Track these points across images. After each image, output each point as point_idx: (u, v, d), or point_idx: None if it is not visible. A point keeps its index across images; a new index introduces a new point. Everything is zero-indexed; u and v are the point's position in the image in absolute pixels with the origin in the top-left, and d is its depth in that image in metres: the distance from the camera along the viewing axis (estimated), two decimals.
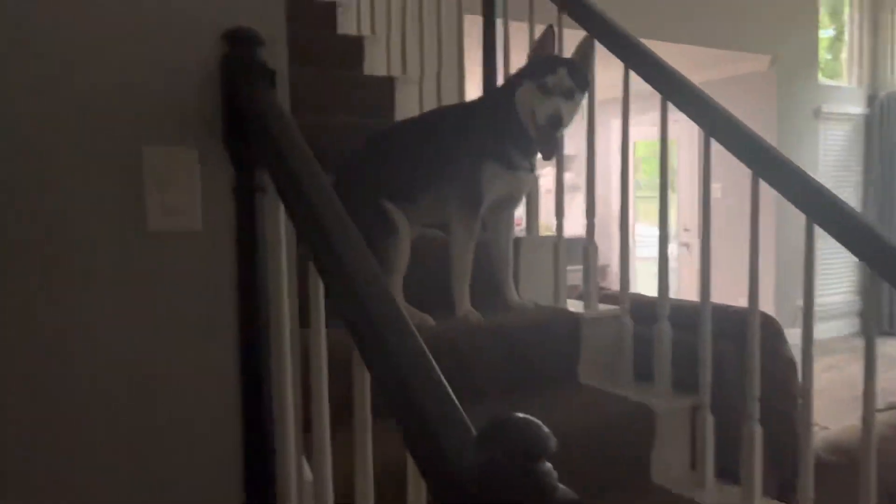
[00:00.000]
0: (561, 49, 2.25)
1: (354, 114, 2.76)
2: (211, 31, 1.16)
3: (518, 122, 1.96)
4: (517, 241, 2.31)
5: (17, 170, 1.05)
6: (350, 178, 2.11)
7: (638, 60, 2.01)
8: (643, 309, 2.15)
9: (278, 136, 1.09)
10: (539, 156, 2.01)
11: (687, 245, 7.51)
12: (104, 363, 1.11)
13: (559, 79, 1.90)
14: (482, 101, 2.11)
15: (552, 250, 2.29)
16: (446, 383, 0.70)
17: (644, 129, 7.91)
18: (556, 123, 1.89)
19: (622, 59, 2.05)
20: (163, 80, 1.14)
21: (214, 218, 1.18)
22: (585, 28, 2.13)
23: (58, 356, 1.09)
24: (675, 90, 1.93)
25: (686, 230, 7.47)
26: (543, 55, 1.97)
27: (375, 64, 3.08)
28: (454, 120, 2.06)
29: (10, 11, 1.04)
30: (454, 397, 0.67)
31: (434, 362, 0.73)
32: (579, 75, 1.94)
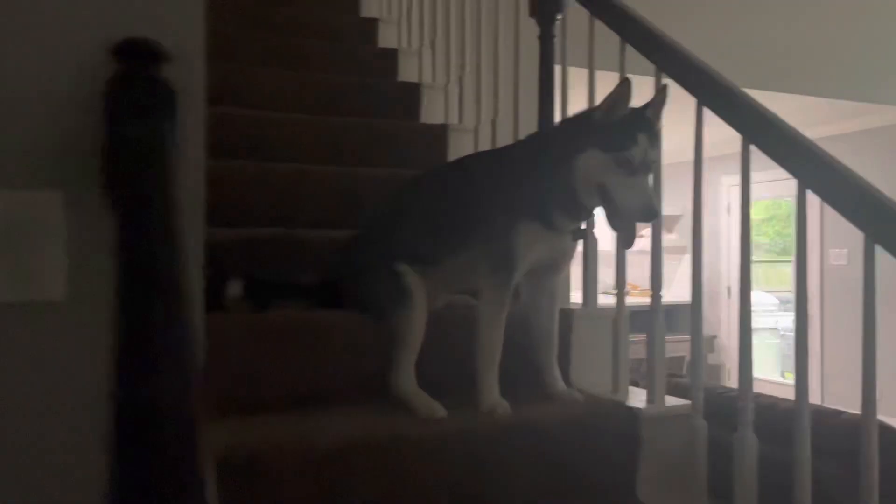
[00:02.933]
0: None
1: (406, 164, 2.49)
2: (91, 42, 0.89)
3: (570, 185, 1.59)
4: (568, 313, 1.92)
5: None
6: (367, 237, 1.81)
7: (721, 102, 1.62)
8: (723, 404, 1.69)
9: (142, 182, 0.79)
10: (584, 223, 1.65)
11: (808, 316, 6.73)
12: None
13: (643, 151, 1.52)
14: (525, 147, 1.76)
15: (611, 326, 1.88)
16: None
17: (760, 188, 7.31)
18: (653, 215, 1.51)
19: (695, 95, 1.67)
20: (15, 106, 0.87)
21: (84, 283, 0.89)
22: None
23: None
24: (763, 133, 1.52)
25: None
26: (616, 114, 1.53)
27: (432, 112, 2.81)
28: (489, 168, 1.73)
29: None
30: None
31: None
32: (656, 140, 1.56)
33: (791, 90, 4.92)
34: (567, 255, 1.73)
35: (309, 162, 2.31)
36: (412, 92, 2.84)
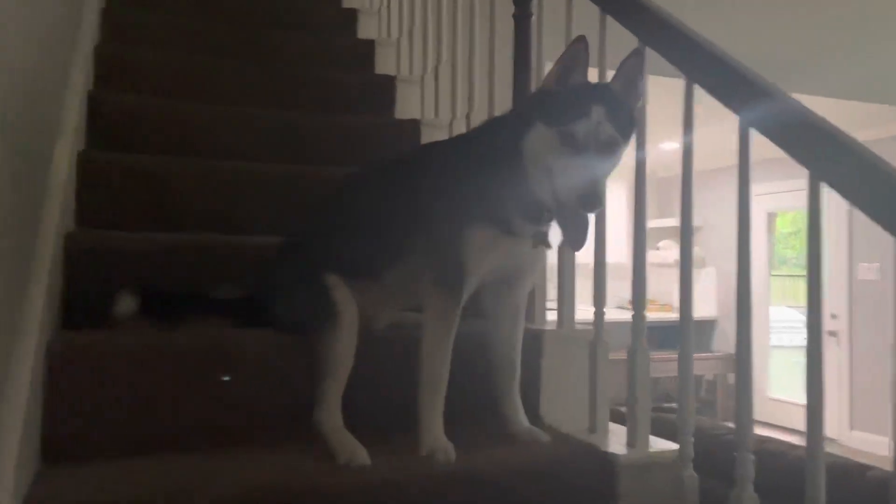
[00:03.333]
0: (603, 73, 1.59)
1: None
2: None
3: (522, 176, 1.30)
4: (538, 335, 1.62)
5: None
6: (294, 243, 1.53)
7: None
8: (723, 449, 1.38)
9: None
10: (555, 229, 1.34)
11: (835, 334, 6.32)
12: None
13: (594, 125, 1.22)
14: (477, 135, 1.46)
15: (588, 350, 1.58)
16: None
17: (785, 199, 6.90)
18: (593, 203, 1.20)
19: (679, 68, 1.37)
20: None
21: None
22: (637, 34, 1.47)
23: None
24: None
25: (833, 317, 6.29)
26: (567, 83, 1.26)
27: (408, 106, 2.53)
28: (435, 162, 1.44)
29: None
30: None
31: None
32: (622, 114, 1.25)
33: (829, 94, 4.58)
34: (530, 266, 1.44)
35: (264, 161, 2.04)
36: (386, 85, 2.56)
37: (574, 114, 1.20)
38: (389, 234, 1.42)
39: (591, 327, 1.60)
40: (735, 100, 1.26)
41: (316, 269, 1.42)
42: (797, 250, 7.79)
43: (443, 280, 1.36)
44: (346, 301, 1.39)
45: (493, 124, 1.45)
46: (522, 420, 1.46)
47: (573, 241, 1.25)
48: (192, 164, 1.92)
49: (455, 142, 1.53)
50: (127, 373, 1.32)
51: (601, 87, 1.30)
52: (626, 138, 1.26)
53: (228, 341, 1.42)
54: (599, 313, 1.56)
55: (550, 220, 1.34)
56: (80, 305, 1.47)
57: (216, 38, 2.57)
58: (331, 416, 1.34)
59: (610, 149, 1.23)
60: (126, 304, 1.41)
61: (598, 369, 1.56)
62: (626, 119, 1.25)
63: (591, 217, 1.26)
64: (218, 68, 2.40)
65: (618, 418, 1.59)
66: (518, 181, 1.30)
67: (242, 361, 1.39)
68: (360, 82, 2.56)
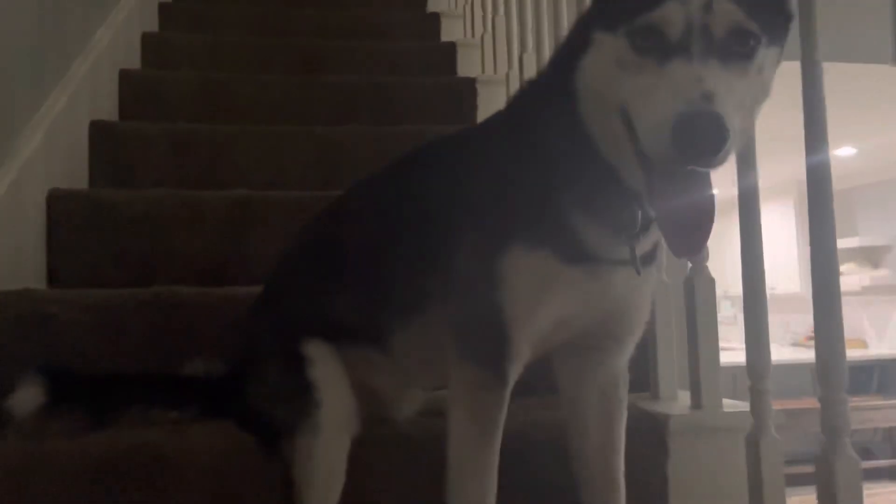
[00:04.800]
0: None
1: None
2: None
3: (588, 144, 0.74)
4: (657, 421, 1.02)
5: None
6: (269, 295, 1.04)
7: None
8: None
9: None
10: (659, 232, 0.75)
11: None
12: None
13: (689, 11, 0.64)
14: (506, 119, 0.88)
15: (746, 447, 0.95)
16: None
17: None
18: (702, 143, 0.61)
19: None
20: None
21: None
22: None
23: None
24: None
25: None
26: None
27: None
28: (451, 163, 0.89)
29: None
30: None
31: None
32: None
33: None
34: (629, 310, 0.85)
35: (291, 188, 1.60)
36: (466, 87, 2.06)
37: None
38: (395, 276, 0.90)
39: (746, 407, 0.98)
40: None
41: (290, 333, 0.92)
42: None
43: (472, 347, 0.81)
44: (332, 383, 0.88)
45: (527, 89, 0.89)
46: None
47: (675, 230, 0.67)
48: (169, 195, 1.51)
49: (481, 128, 0.97)
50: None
51: None
52: (773, 30, 0.68)
53: (177, 450, 0.94)
54: (761, 388, 0.93)
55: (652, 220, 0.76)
56: None
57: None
58: None
59: (735, 47, 0.65)
60: (26, 398, 0.96)
61: (763, 481, 0.93)
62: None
63: (711, 185, 0.67)
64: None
65: None
66: (579, 157, 0.74)
67: (182, 481, 0.91)
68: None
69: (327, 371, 0.89)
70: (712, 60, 0.63)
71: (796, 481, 1.51)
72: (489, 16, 2.14)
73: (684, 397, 1.12)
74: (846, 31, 2.44)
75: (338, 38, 2.33)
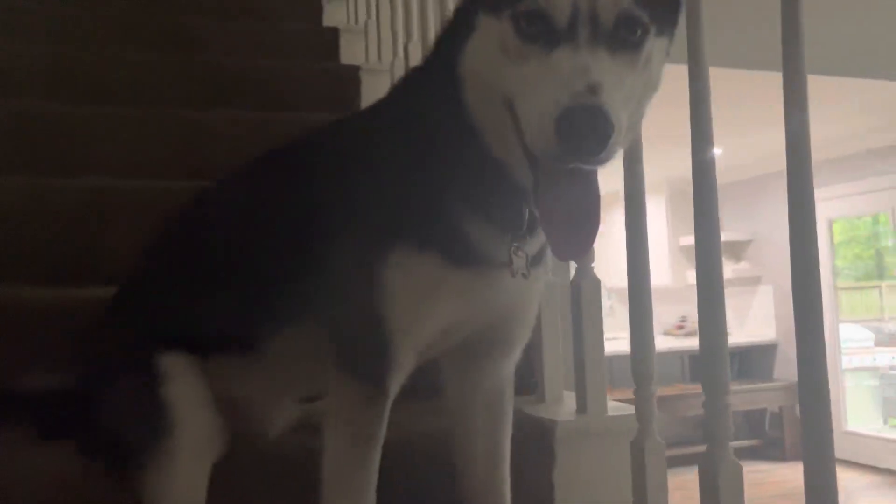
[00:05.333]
0: None
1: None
2: None
3: (474, 136, 0.69)
4: (543, 429, 0.99)
5: None
6: (123, 300, 0.93)
7: None
8: None
9: None
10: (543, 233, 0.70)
11: None
12: None
13: None
14: (388, 108, 0.81)
15: (631, 451, 0.94)
16: None
17: (840, 204, 6.13)
18: (586, 136, 0.56)
19: None
20: None
21: None
22: None
23: None
24: None
25: None
26: None
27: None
28: (327, 157, 0.82)
29: None
30: None
31: None
32: None
33: None
34: (518, 312, 0.81)
35: (155, 177, 1.47)
36: (349, 75, 1.98)
37: None
38: (269, 278, 0.81)
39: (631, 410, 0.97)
40: None
41: (145, 343, 0.82)
42: (848, 260, 6.99)
43: (351, 359, 0.75)
44: (190, 401, 0.79)
45: (412, 75, 0.83)
46: None
47: (559, 232, 0.63)
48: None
49: (357, 119, 0.90)
50: None
51: None
52: (662, 19, 0.65)
53: None
54: (646, 394, 0.92)
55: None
56: None
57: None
58: None
59: (623, 36, 0.62)
60: None
61: (647, 485, 0.92)
62: None
63: (597, 184, 0.64)
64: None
65: None
66: (466, 151, 0.69)
67: None
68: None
69: (185, 388, 0.79)
70: (600, 49, 0.59)
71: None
72: (373, 1, 2.05)
73: (570, 399, 1.10)
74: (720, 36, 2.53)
75: (214, 16, 2.18)
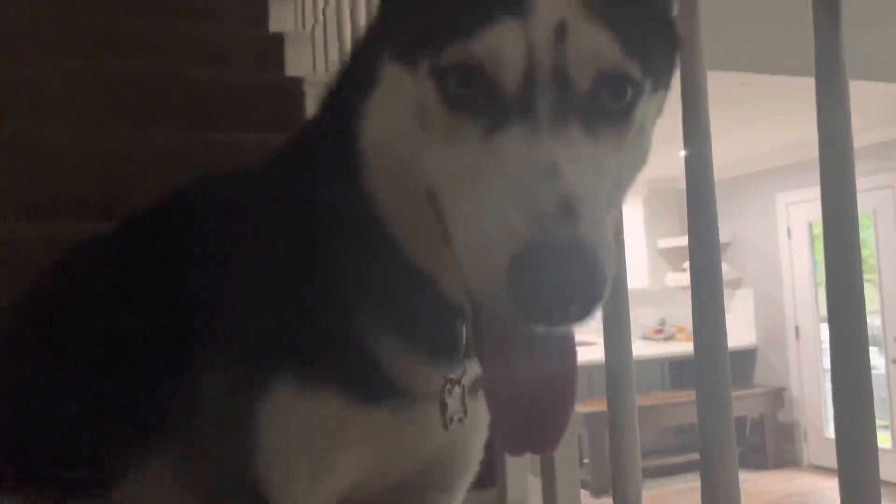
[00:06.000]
0: None
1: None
2: None
3: (382, 231, 0.48)
4: None
5: None
6: None
7: None
8: None
9: None
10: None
11: None
12: None
13: (542, 29, 0.39)
14: (274, 175, 0.57)
15: None
16: None
17: (810, 206, 6.02)
18: (565, 297, 0.36)
19: None
20: None
21: None
22: None
23: None
24: None
25: None
26: None
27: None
28: (199, 241, 0.59)
29: None
30: None
31: None
32: (633, 9, 0.43)
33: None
34: (456, 451, 0.60)
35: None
36: (293, 87, 1.76)
37: (480, 11, 0.38)
38: (120, 398, 0.60)
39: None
40: None
41: None
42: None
43: None
44: None
45: (304, 133, 0.61)
46: None
47: (510, 420, 0.43)
48: None
49: (233, 184, 0.66)
50: None
51: None
52: (658, 66, 0.45)
53: None
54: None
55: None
56: None
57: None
58: None
59: (606, 101, 0.41)
60: None
61: None
62: (644, 22, 0.44)
63: (571, 343, 0.43)
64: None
65: None
66: (374, 251, 0.49)
67: None
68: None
69: None
70: (571, 127, 0.38)
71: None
72: (320, 4, 1.83)
73: (535, 485, 0.91)
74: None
75: (145, 16, 1.95)
